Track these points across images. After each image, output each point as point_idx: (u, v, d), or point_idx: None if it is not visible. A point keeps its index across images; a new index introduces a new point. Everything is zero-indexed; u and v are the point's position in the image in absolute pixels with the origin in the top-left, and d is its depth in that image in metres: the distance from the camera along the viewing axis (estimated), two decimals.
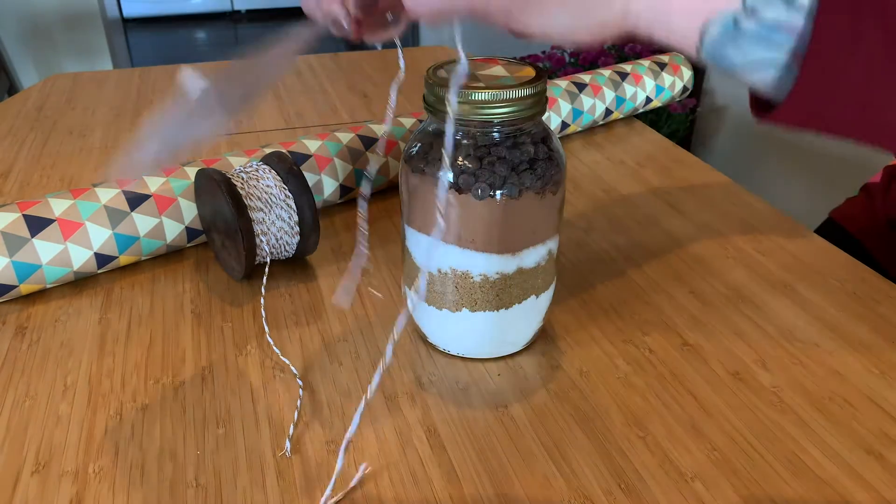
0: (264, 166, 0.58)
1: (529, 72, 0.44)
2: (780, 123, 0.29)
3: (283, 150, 0.64)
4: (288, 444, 0.43)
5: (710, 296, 0.57)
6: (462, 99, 0.41)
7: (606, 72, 0.87)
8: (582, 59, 2.15)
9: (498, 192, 0.43)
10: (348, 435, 0.38)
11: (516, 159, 0.43)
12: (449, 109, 0.38)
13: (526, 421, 0.45)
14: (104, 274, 0.60)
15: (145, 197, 0.59)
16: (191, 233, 0.61)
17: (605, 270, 0.60)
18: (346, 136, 0.69)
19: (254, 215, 0.55)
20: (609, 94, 0.86)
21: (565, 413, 0.46)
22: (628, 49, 2.10)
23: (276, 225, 0.56)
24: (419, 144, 0.45)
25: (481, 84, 0.42)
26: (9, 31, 2.56)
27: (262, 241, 0.56)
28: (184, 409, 0.46)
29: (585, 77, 0.85)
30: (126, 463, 0.42)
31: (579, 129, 0.86)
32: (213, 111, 0.37)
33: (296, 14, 4.83)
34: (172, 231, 0.60)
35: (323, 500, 0.39)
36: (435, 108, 0.43)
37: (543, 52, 2.26)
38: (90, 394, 0.48)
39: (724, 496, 0.40)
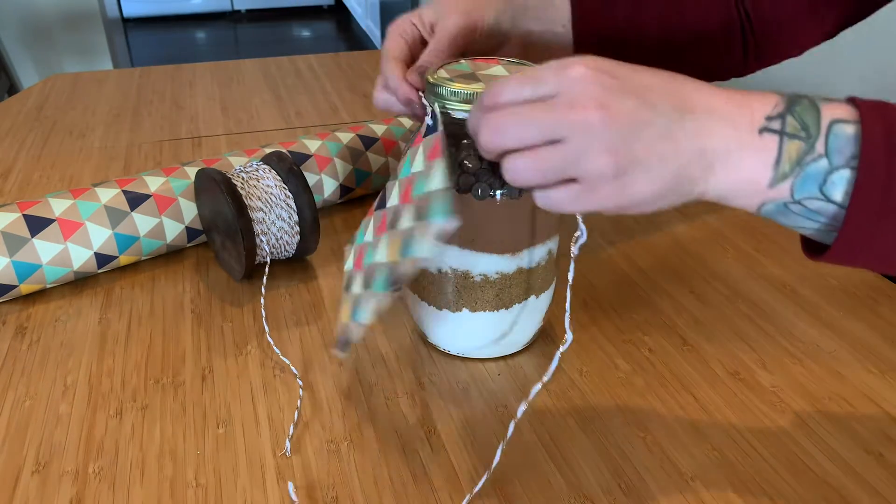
0: (264, 166, 0.58)
1: None
2: (829, 263, 0.38)
3: (283, 150, 0.64)
4: (288, 444, 0.43)
5: (710, 296, 0.57)
6: (463, 99, 0.41)
7: None
8: None
9: (498, 192, 0.43)
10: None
11: None
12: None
13: (526, 421, 0.45)
14: (104, 274, 0.60)
15: (145, 197, 0.59)
16: (191, 233, 0.61)
17: (605, 271, 0.60)
18: (346, 136, 0.69)
19: (254, 215, 0.55)
20: None
21: (565, 413, 0.46)
22: None
23: (276, 225, 0.56)
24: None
25: (481, 84, 0.42)
26: (9, 31, 2.56)
27: (262, 241, 0.56)
28: (184, 409, 0.46)
29: None
30: (126, 463, 0.42)
31: None
32: None
33: (296, 14, 4.83)
34: (172, 231, 0.60)
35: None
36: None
37: None
38: (90, 394, 0.48)
39: (724, 496, 0.40)
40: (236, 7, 4.85)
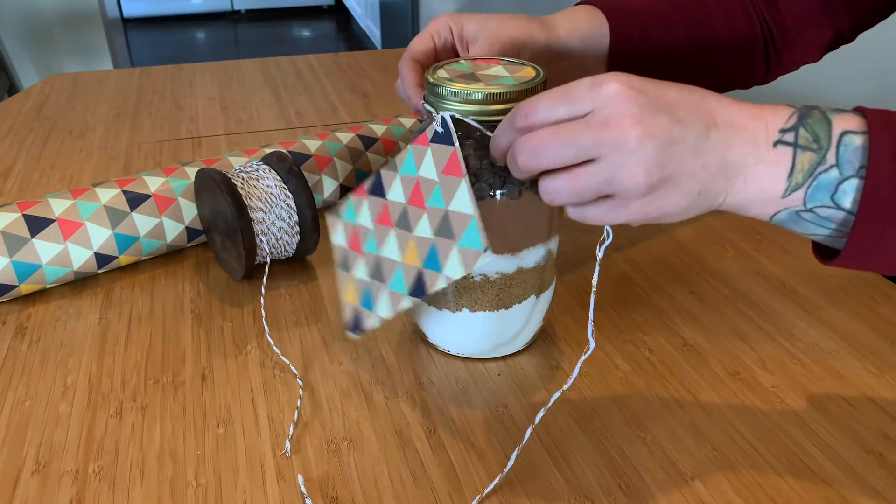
0: (264, 166, 0.58)
1: (529, 72, 0.44)
2: (840, 267, 0.40)
3: (283, 150, 0.64)
4: (288, 444, 0.43)
5: (710, 296, 0.57)
6: (462, 99, 0.41)
7: None
8: None
9: (498, 192, 0.43)
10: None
11: None
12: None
13: (526, 421, 0.45)
14: (104, 274, 0.60)
15: (145, 197, 0.59)
16: (191, 233, 0.61)
17: (605, 271, 0.60)
18: (346, 136, 0.69)
19: (254, 215, 0.55)
20: None
21: (565, 413, 0.46)
22: None
23: (276, 225, 0.56)
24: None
25: (481, 84, 0.42)
26: (9, 31, 2.56)
27: (262, 241, 0.56)
28: (184, 409, 0.46)
29: None
30: (126, 463, 0.42)
31: None
32: None
33: (296, 14, 4.84)
34: (172, 231, 0.60)
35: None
36: (435, 107, 0.43)
37: None
38: (90, 394, 0.48)
39: (724, 496, 0.40)
40: (236, 7, 4.85)
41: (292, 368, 0.50)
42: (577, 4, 0.56)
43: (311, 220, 0.57)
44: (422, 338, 0.52)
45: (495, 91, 0.41)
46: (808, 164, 0.36)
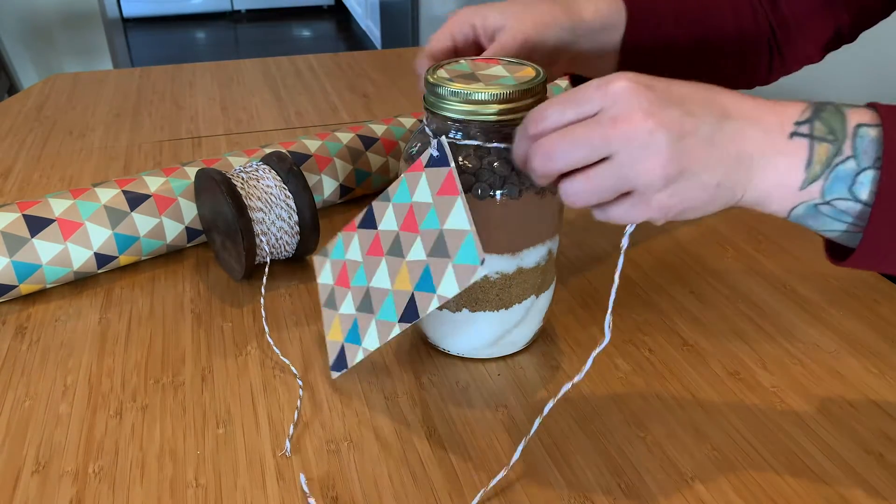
0: (264, 166, 0.58)
1: (529, 72, 0.44)
2: (853, 268, 0.39)
3: (283, 150, 0.64)
4: (288, 444, 0.43)
5: (710, 296, 0.57)
6: (462, 99, 0.41)
7: None
8: None
9: (498, 192, 0.43)
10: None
11: None
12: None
13: (526, 421, 0.45)
14: (104, 274, 0.60)
15: (145, 197, 0.59)
16: (191, 233, 0.61)
17: (605, 270, 0.60)
18: (346, 136, 0.69)
19: (254, 215, 0.55)
20: None
21: (565, 413, 0.46)
22: None
23: (276, 225, 0.56)
24: (419, 144, 0.45)
25: (481, 84, 0.42)
26: (9, 31, 2.56)
27: (262, 241, 0.56)
28: (184, 409, 0.46)
29: None
30: (126, 463, 0.42)
31: None
32: None
33: (296, 14, 4.83)
34: (172, 231, 0.60)
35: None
36: (435, 108, 0.43)
37: None
38: (90, 394, 0.48)
39: (724, 496, 0.40)
40: (236, 7, 4.85)
41: (292, 368, 0.50)
42: None
43: (311, 220, 0.57)
44: (422, 338, 0.52)
45: (495, 91, 0.41)
46: (825, 156, 0.36)
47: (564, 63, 0.53)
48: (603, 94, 0.36)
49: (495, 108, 0.41)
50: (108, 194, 0.58)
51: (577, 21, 0.52)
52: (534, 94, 0.42)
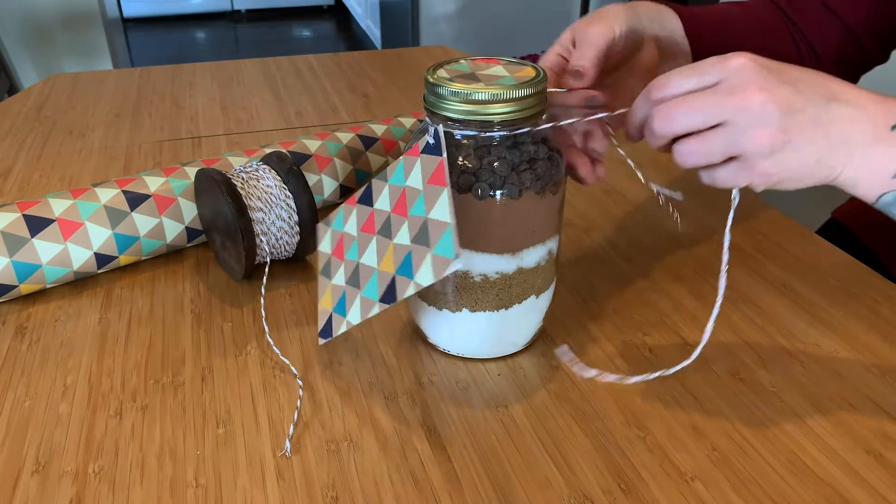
0: (264, 166, 0.58)
1: (529, 72, 0.44)
2: None
3: (283, 150, 0.64)
4: (288, 444, 0.43)
5: (710, 296, 0.57)
6: (462, 99, 0.41)
7: None
8: None
9: (498, 192, 0.43)
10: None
11: (516, 159, 0.43)
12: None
13: (526, 421, 0.45)
14: (104, 274, 0.60)
15: (145, 197, 0.59)
16: (191, 233, 0.61)
17: (605, 270, 0.60)
18: (346, 136, 0.69)
19: (254, 215, 0.55)
20: None
21: (565, 413, 0.46)
22: None
23: (276, 225, 0.56)
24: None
25: (481, 84, 0.42)
26: (9, 31, 2.56)
27: (262, 241, 0.56)
28: (184, 409, 0.46)
29: None
30: (126, 463, 0.42)
31: None
32: None
33: (296, 14, 4.83)
34: (172, 231, 0.60)
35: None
36: (435, 108, 0.43)
37: (543, 52, 2.26)
38: (90, 394, 0.48)
39: (724, 496, 0.40)
40: (236, 7, 4.84)
41: (292, 368, 0.50)
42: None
43: (311, 220, 0.57)
44: (422, 338, 0.52)
45: (495, 91, 0.41)
46: None
47: (650, 47, 0.55)
48: (722, 67, 0.40)
49: (495, 108, 0.41)
50: (108, 194, 0.58)
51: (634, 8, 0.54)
52: (534, 94, 0.42)
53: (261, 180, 0.56)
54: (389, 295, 0.43)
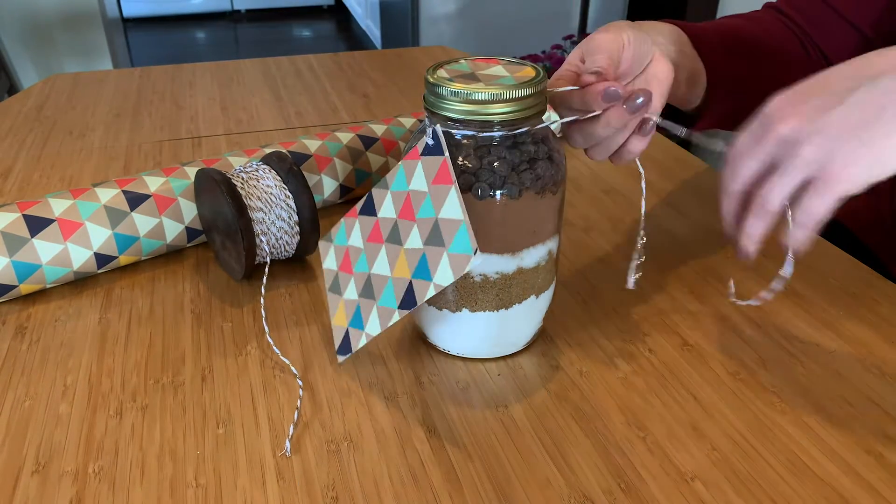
0: (264, 166, 0.58)
1: (529, 72, 0.44)
2: None
3: (283, 150, 0.64)
4: (288, 444, 0.43)
5: (710, 296, 0.57)
6: (462, 99, 0.41)
7: None
8: None
9: (498, 192, 0.43)
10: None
11: (516, 159, 0.43)
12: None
13: (526, 421, 0.45)
14: (104, 274, 0.60)
15: (145, 197, 0.59)
16: (191, 233, 0.61)
17: (605, 270, 0.60)
18: (346, 136, 0.69)
19: (254, 215, 0.55)
20: None
21: (565, 413, 0.46)
22: None
23: (276, 225, 0.56)
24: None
25: (481, 84, 0.42)
26: (9, 31, 2.56)
27: (262, 241, 0.56)
28: (184, 409, 0.46)
29: None
30: (126, 463, 0.42)
31: None
32: None
33: (296, 14, 4.84)
34: (172, 231, 0.60)
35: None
36: (435, 107, 0.43)
37: (543, 52, 2.26)
38: (90, 394, 0.48)
39: (724, 496, 0.40)
40: (236, 7, 4.85)
41: (292, 368, 0.50)
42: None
43: (311, 220, 0.57)
44: (422, 338, 0.52)
45: (495, 91, 0.41)
46: None
47: (661, 56, 0.54)
48: (760, 113, 0.42)
49: (495, 108, 0.41)
50: (108, 194, 0.58)
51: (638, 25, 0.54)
52: (534, 94, 0.42)
53: (261, 180, 0.56)
54: (409, 300, 0.43)
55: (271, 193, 0.56)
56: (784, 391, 0.47)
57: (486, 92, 0.41)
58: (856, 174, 0.40)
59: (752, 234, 0.44)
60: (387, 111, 0.96)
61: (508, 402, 0.47)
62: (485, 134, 0.42)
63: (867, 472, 0.41)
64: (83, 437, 0.44)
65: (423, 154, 0.43)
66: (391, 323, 0.44)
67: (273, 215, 0.56)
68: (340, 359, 0.48)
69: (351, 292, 0.48)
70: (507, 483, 0.41)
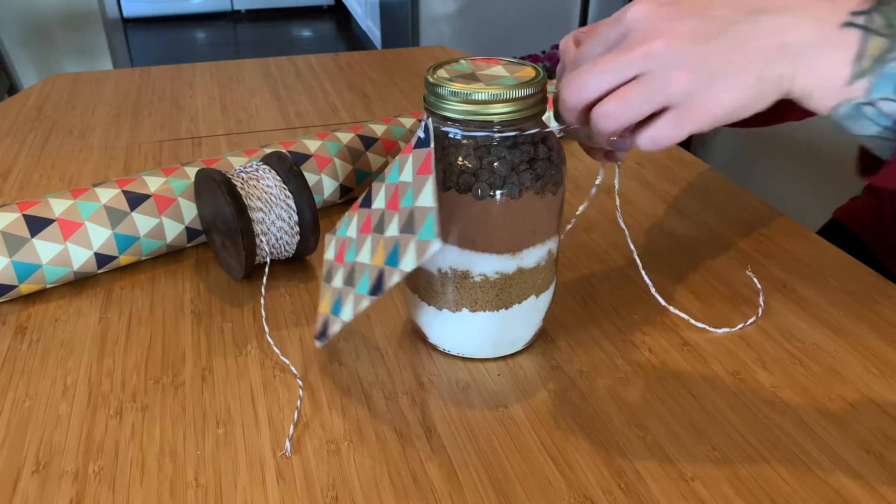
0: (264, 166, 0.58)
1: (529, 72, 0.44)
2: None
3: (283, 150, 0.64)
4: (288, 444, 0.43)
5: (710, 296, 0.57)
6: (462, 99, 0.41)
7: None
8: None
9: (498, 192, 0.43)
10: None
11: (516, 159, 0.43)
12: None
13: (526, 421, 0.45)
14: (104, 274, 0.60)
15: (145, 197, 0.59)
16: (191, 233, 0.61)
17: (605, 270, 0.60)
18: (346, 136, 0.69)
19: (254, 215, 0.55)
20: None
21: (565, 413, 0.46)
22: None
23: (276, 225, 0.56)
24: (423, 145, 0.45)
25: (481, 84, 0.42)
26: (9, 31, 2.56)
27: (262, 241, 0.56)
28: (184, 409, 0.46)
29: None
30: (126, 463, 0.42)
31: None
32: None
33: (296, 14, 4.84)
34: (172, 231, 0.60)
35: None
36: (434, 107, 0.43)
37: (543, 52, 2.26)
38: (90, 394, 0.48)
39: (724, 496, 0.40)
40: (236, 7, 4.85)
41: (292, 368, 0.50)
42: None
43: (311, 220, 0.57)
44: (422, 338, 0.52)
45: (495, 91, 0.41)
46: (877, 51, 0.35)
47: None
48: (621, 21, 0.38)
49: (495, 108, 0.41)
50: (108, 194, 0.58)
51: None
52: (534, 94, 0.42)
53: (261, 180, 0.56)
54: (378, 286, 0.43)
55: (271, 193, 0.56)
56: (784, 391, 0.47)
57: (486, 92, 0.41)
58: (718, 113, 0.37)
59: (592, 147, 0.41)
60: (387, 111, 0.96)
61: (508, 402, 0.47)
62: (485, 134, 0.42)
63: (867, 472, 0.41)
64: (83, 438, 0.44)
65: (415, 147, 0.43)
66: (360, 308, 0.44)
67: (273, 215, 0.56)
68: (318, 344, 0.48)
69: (338, 280, 0.48)
70: (507, 483, 0.41)
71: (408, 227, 0.42)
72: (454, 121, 0.42)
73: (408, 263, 0.41)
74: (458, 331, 0.49)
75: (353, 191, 0.69)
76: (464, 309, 0.47)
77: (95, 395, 0.47)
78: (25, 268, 0.54)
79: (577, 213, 0.48)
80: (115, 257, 0.58)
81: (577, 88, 0.39)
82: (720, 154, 2.26)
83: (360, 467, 0.42)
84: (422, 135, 0.43)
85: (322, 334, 0.47)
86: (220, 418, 0.45)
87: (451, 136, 0.43)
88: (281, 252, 0.58)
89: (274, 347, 0.52)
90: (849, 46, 0.36)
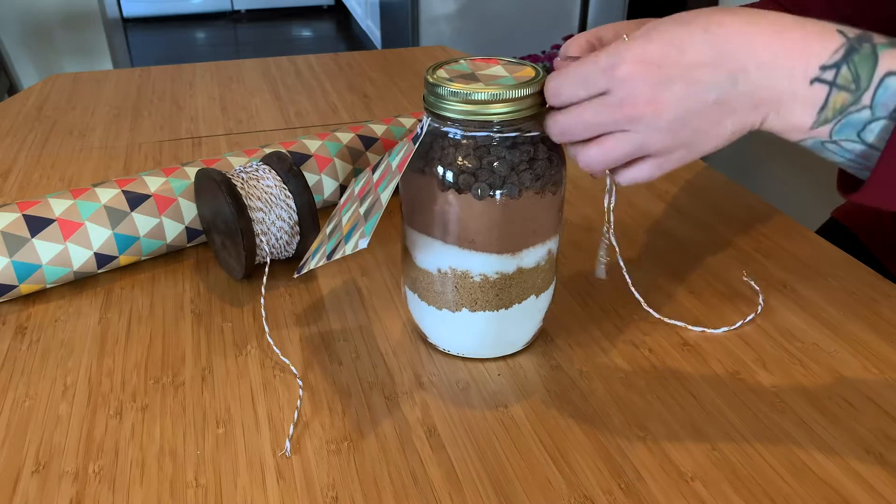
0: (264, 166, 0.58)
1: (529, 72, 0.44)
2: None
3: (283, 150, 0.64)
4: (288, 444, 0.43)
5: (709, 296, 0.57)
6: (462, 99, 0.41)
7: None
8: None
9: (498, 192, 0.43)
10: None
11: (516, 159, 0.43)
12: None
13: (526, 421, 0.45)
14: (104, 274, 0.60)
15: (145, 197, 0.59)
16: (191, 233, 0.61)
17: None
18: (346, 136, 0.69)
19: (254, 215, 0.55)
20: None
21: (565, 413, 0.46)
22: None
23: (276, 225, 0.56)
24: (419, 144, 0.45)
25: (481, 84, 0.42)
26: (9, 31, 2.56)
27: (262, 241, 0.56)
28: (184, 409, 0.46)
29: None
30: (126, 463, 0.42)
31: None
32: None
33: (296, 14, 4.83)
34: (172, 231, 0.60)
35: None
36: (434, 107, 0.43)
37: (543, 52, 2.26)
38: (90, 394, 0.48)
39: (724, 496, 0.40)
40: (236, 7, 4.84)
41: (292, 368, 0.50)
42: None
43: (311, 220, 0.57)
44: (422, 338, 0.52)
45: (495, 91, 0.41)
46: (840, 104, 0.38)
47: None
48: (609, 77, 0.39)
49: (495, 108, 0.41)
50: (108, 194, 0.58)
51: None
52: (533, 94, 0.42)
53: (261, 180, 0.56)
54: (332, 253, 0.45)
55: (271, 193, 0.56)
56: (784, 391, 0.47)
57: (486, 92, 0.41)
58: (694, 158, 0.41)
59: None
60: (387, 111, 0.96)
61: (508, 402, 0.47)
62: (484, 134, 0.42)
63: (867, 472, 0.41)
64: (83, 437, 0.44)
65: (412, 140, 0.45)
66: (316, 264, 0.46)
67: (273, 215, 0.56)
68: (295, 275, 0.51)
69: (328, 227, 0.51)
70: (507, 483, 0.41)
71: (368, 212, 0.44)
72: (454, 121, 0.42)
73: (349, 247, 0.43)
74: (458, 331, 0.49)
75: None
76: (464, 309, 0.47)
77: (95, 395, 0.47)
78: (25, 268, 0.54)
79: (607, 207, 0.48)
80: (115, 257, 0.58)
81: (560, 133, 0.42)
82: (720, 154, 2.25)
83: (360, 467, 0.42)
84: (419, 130, 0.44)
85: (300, 269, 0.50)
86: (219, 418, 0.45)
87: (450, 136, 0.43)
88: (281, 252, 0.58)
89: (274, 347, 0.52)
90: (815, 100, 0.39)
